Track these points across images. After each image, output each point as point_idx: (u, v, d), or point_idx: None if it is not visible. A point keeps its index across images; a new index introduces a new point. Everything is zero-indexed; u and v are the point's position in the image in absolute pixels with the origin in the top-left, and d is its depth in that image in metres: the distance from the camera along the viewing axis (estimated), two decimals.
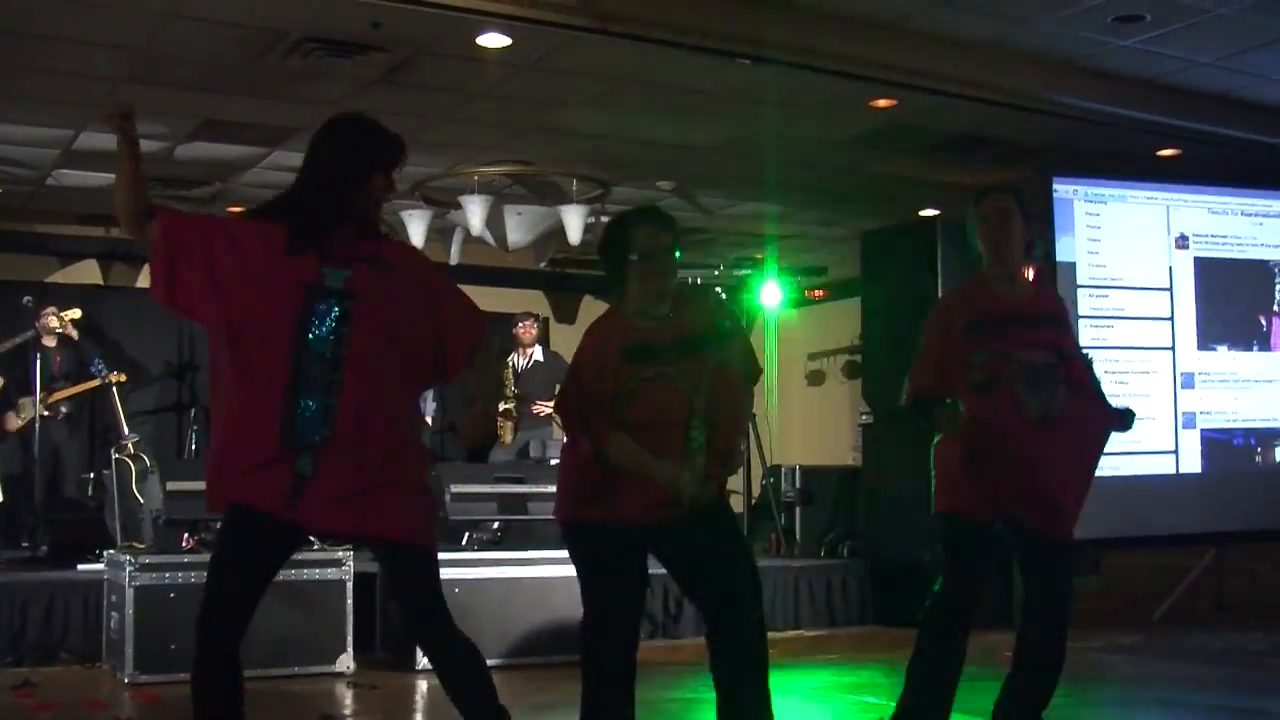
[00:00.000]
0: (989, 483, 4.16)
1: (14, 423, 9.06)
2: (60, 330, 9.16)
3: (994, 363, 4.18)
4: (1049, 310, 4.39)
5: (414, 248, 3.53)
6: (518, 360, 10.41)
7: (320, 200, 3.40)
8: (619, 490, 3.85)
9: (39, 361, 8.93)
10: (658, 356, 3.88)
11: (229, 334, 3.32)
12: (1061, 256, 7.93)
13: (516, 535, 7.30)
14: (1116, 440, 7.74)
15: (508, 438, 10.32)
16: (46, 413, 8.98)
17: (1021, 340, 4.21)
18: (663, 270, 3.93)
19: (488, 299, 11.87)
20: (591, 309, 12.82)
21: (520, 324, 10.43)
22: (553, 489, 7.03)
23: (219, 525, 3.44)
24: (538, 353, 10.39)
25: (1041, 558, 4.27)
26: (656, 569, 4.06)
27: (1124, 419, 4.36)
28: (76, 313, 9.30)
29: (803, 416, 13.36)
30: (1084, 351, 4.43)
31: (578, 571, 3.99)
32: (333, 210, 3.39)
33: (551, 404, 10.27)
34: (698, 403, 3.85)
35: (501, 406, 10.29)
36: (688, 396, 3.85)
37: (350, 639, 6.54)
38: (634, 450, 3.82)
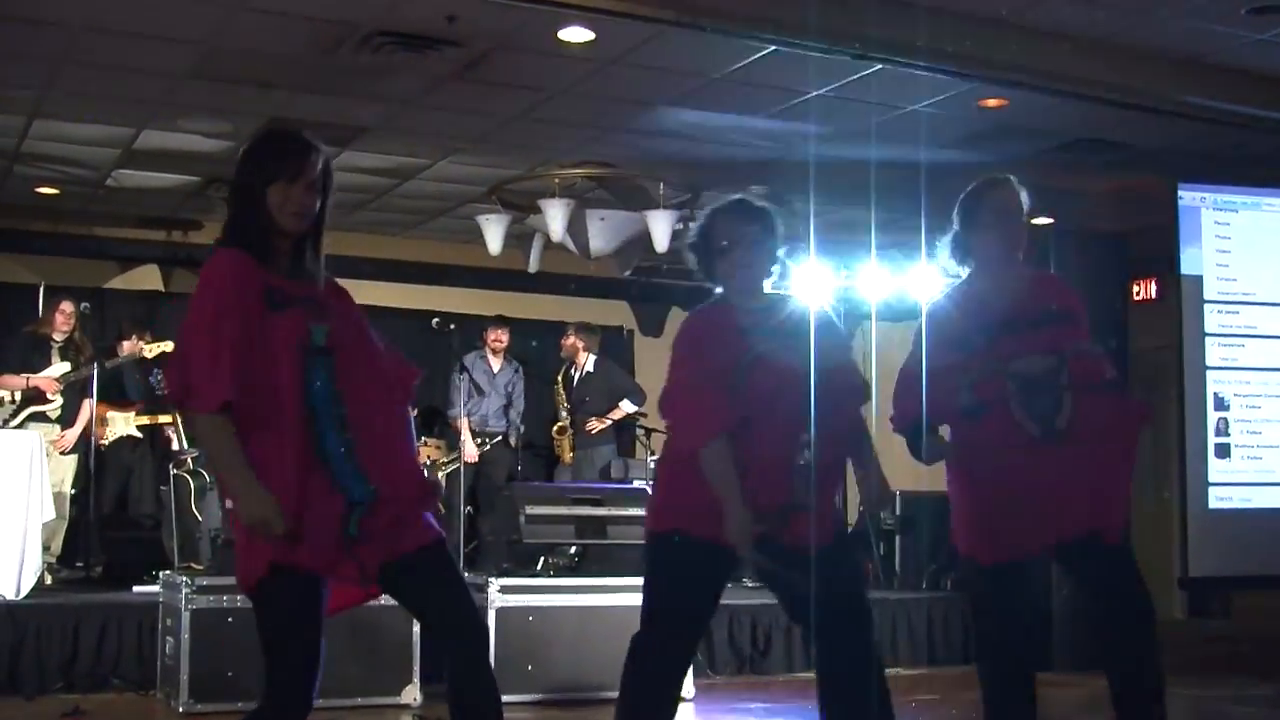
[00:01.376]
0: (1006, 520, 4.10)
1: (104, 437, 9.30)
2: (145, 355, 9.39)
3: (984, 382, 4.12)
4: (1049, 305, 4.26)
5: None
6: (571, 372, 10.52)
7: (240, 218, 3.50)
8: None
9: (126, 380, 9.26)
10: (769, 335, 3.92)
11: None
12: (1187, 269, 7.85)
13: (594, 560, 7.34)
14: (1248, 471, 7.62)
15: (566, 455, 10.41)
16: (131, 432, 9.28)
17: (1014, 350, 4.14)
18: (749, 260, 4.00)
19: (570, 309, 12.02)
20: (679, 321, 12.83)
21: (569, 334, 10.55)
22: (633, 511, 7.02)
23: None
24: (589, 363, 10.49)
25: (1098, 564, 4.15)
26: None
27: (1147, 413, 4.33)
28: (168, 345, 9.49)
29: (903, 438, 13.27)
30: (1095, 348, 4.28)
31: (651, 584, 4.02)
32: (251, 230, 3.48)
33: (606, 418, 10.40)
34: (805, 384, 3.85)
35: (556, 425, 10.41)
36: (802, 375, 3.86)
37: (417, 669, 6.62)
38: (725, 466, 3.83)
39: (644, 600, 4.01)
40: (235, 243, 3.47)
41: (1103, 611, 4.16)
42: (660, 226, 9.31)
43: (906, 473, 12.71)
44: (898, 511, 9.76)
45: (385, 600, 6.62)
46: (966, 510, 4.21)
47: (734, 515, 3.81)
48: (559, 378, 10.65)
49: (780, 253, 4.09)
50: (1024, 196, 4.30)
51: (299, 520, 3.32)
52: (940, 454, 4.18)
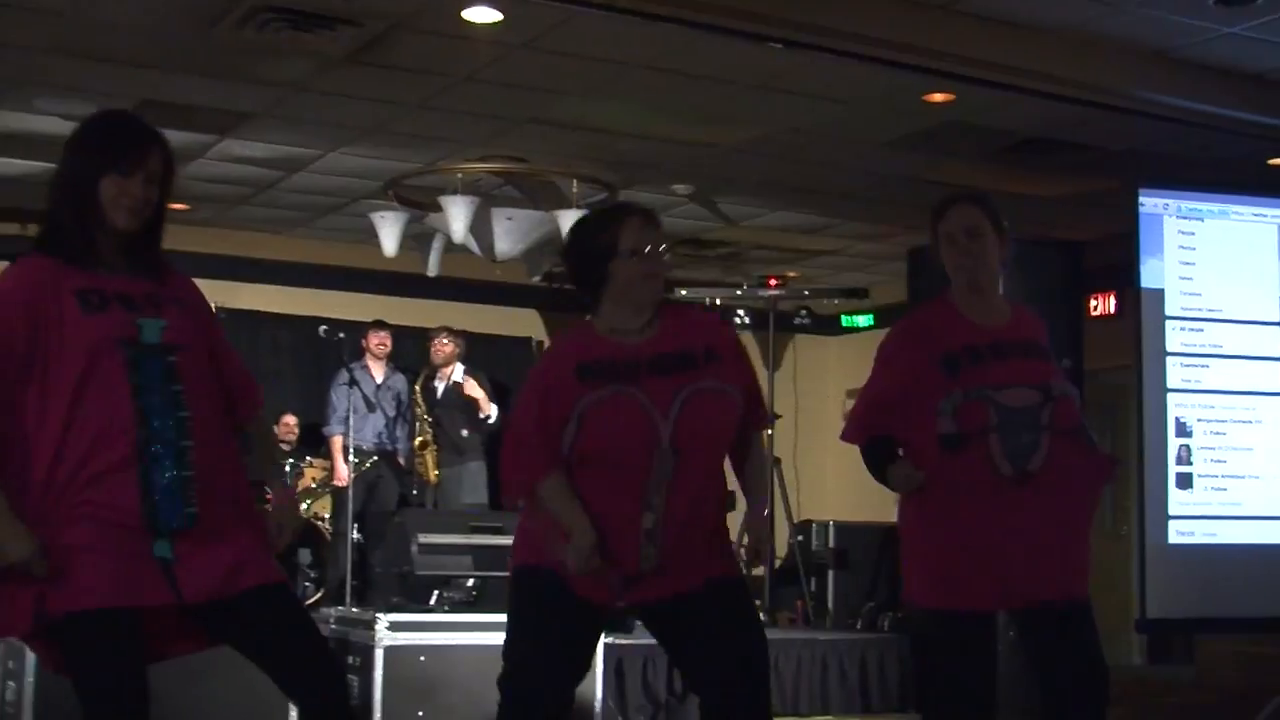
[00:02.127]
0: (974, 565, 4.09)
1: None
2: None
3: (969, 409, 4.10)
4: (1033, 338, 4.29)
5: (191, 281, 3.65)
6: (435, 382, 10.48)
7: (59, 217, 3.44)
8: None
9: None
10: (619, 374, 3.82)
11: None
12: (1147, 282, 7.87)
13: (495, 594, 7.29)
14: (1212, 503, 7.66)
15: (431, 474, 10.35)
16: None
17: (1002, 377, 4.14)
18: (658, 271, 3.93)
19: (473, 318, 11.98)
20: None
21: (444, 339, 10.51)
22: None
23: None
24: (456, 373, 10.45)
25: (1056, 630, 4.16)
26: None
27: (1112, 467, 4.33)
28: None
29: (838, 464, 13.29)
30: (1073, 389, 4.30)
31: (508, 619, 4.03)
32: (75, 228, 3.42)
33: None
34: (665, 430, 3.78)
35: (418, 439, 10.34)
36: (652, 424, 3.77)
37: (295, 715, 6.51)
38: (565, 497, 3.79)
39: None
40: (50, 244, 3.41)
41: (1055, 683, 4.18)
42: None
43: (841, 502, 12.83)
44: (831, 543, 9.77)
45: None
46: (931, 550, 4.17)
47: (576, 538, 3.74)
48: (418, 387, 10.56)
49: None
50: (984, 216, 4.28)
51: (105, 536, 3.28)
52: (912, 483, 4.15)
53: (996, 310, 4.28)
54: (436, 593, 7.13)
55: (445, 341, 10.55)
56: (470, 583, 7.33)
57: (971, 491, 4.09)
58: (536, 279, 10.62)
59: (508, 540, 7.23)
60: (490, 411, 10.39)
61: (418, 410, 10.47)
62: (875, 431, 4.24)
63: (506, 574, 7.13)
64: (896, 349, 4.29)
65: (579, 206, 9.40)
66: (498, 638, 6.76)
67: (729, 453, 4.00)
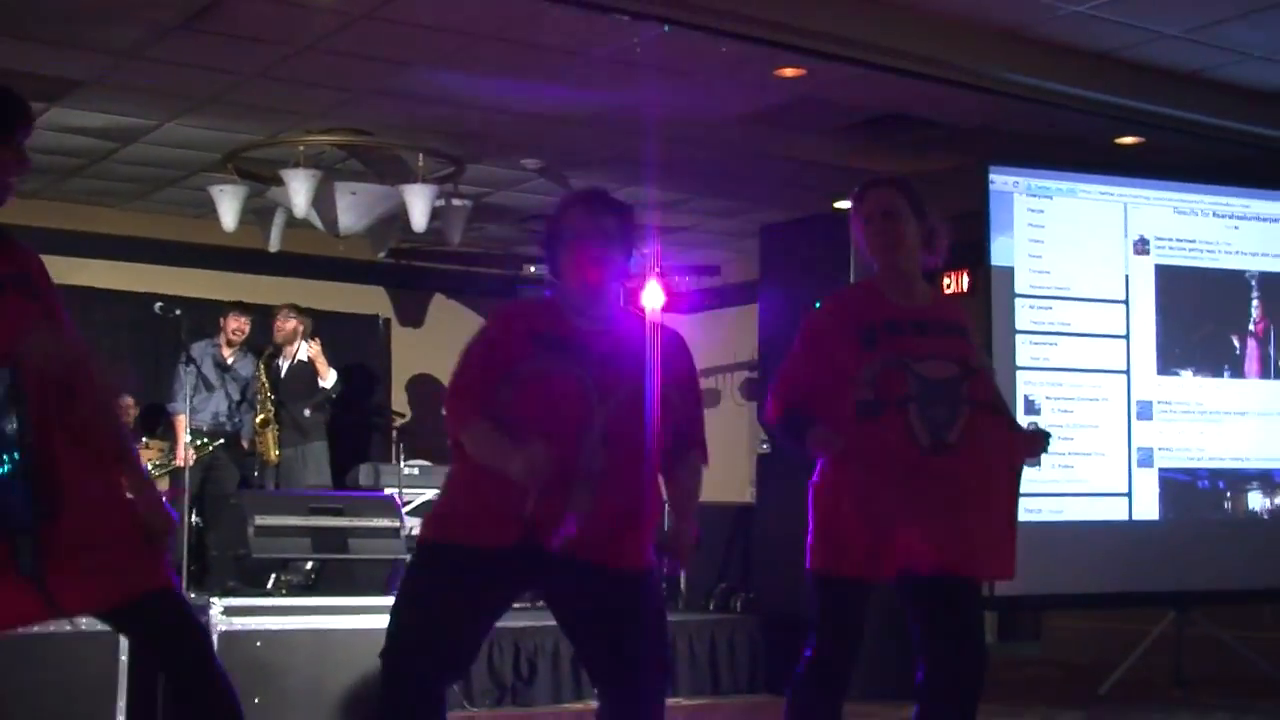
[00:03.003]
0: (886, 533, 4.18)
1: None
2: None
3: (887, 377, 4.21)
4: (954, 319, 4.43)
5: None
6: (279, 360, 10.37)
7: None
8: (478, 505, 3.84)
9: None
10: (571, 352, 3.85)
11: None
12: (997, 260, 8.00)
13: (334, 578, 7.24)
14: (1059, 480, 7.78)
15: (272, 453, 10.24)
16: None
17: (921, 350, 4.26)
18: (592, 256, 3.93)
19: (317, 295, 11.84)
20: (443, 310, 12.75)
21: (289, 316, 10.40)
22: (379, 522, 6.94)
23: None
24: (301, 351, 10.36)
25: (945, 604, 4.27)
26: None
27: (1037, 443, 4.37)
28: None
29: (775, 430, 13.37)
30: (991, 368, 4.48)
31: (397, 596, 3.98)
32: None
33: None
34: (600, 415, 3.80)
35: (259, 417, 10.24)
36: (590, 403, 3.80)
37: (122, 704, 6.34)
38: (494, 437, 3.78)
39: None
40: None
41: (936, 657, 4.29)
42: (418, 203, 9.21)
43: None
44: None
45: (87, 625, 6.40)
46: (838, 516, 4.24)
47: (516, 456, 3.70)
48: (261, 365, 10.43)
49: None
50: (901, 200, 4.39)
51: None
52: (829, 444, 4.21)
53: (919, 293, 4.40)
54: (274, 576, 7.06)
55: (288, 319, 10.42)
56: (309, 565, 7.27)
57: (888, 461, 4.18)
58: (382, 255, 10.53)
59: (347, 522, 7.24)
60: (329, 378, 10.30)
61: (261, 389, 10.34)
62: (795, 407, 4.32)
63: (346, 556, 7.16)
64: (818, 329, 4.39)
65: (425, 181, 9.34)
66: (338, 621, 6.78)
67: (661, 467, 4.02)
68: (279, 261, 10.62)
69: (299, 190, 8.98)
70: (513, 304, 4.09)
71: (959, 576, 4.24)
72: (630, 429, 3.83)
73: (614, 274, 4.00)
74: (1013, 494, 4.36)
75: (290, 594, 6.98)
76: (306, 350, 10.38)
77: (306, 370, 10.37)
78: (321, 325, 10.89)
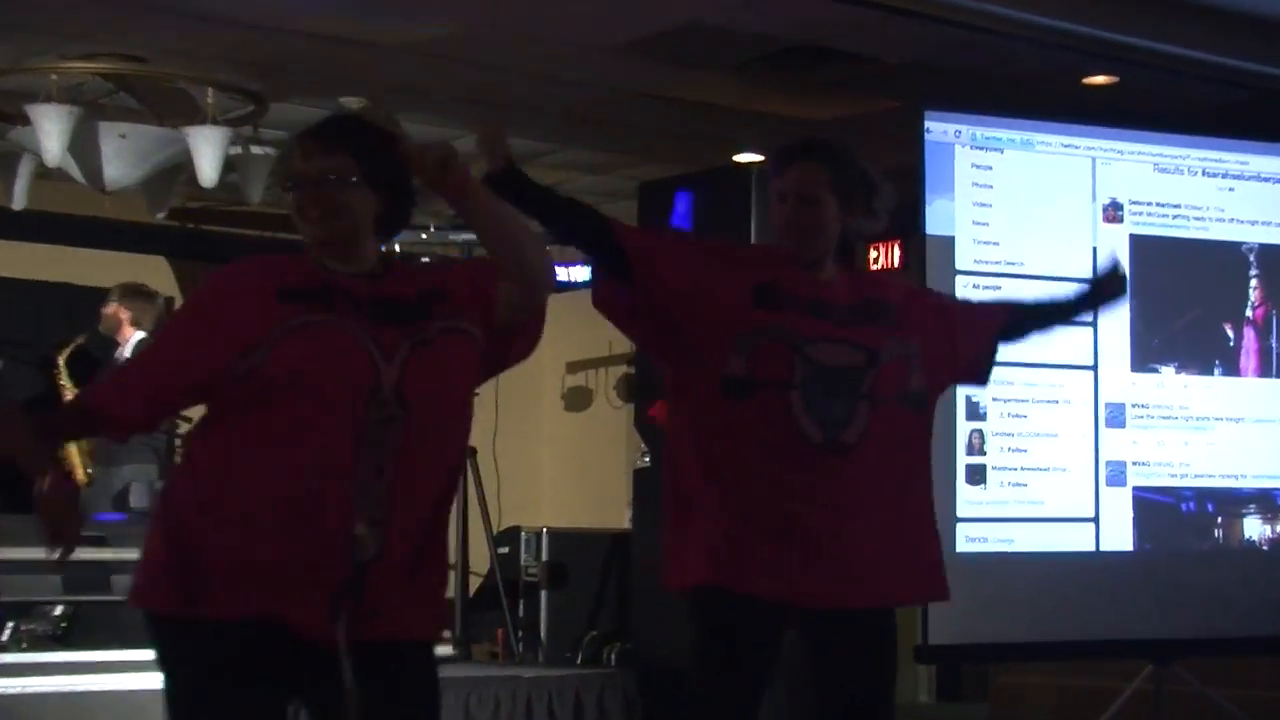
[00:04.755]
0: (766, 546, 4.24)
1: None
2: None
3: (766, 350, 4.29)
4: (876, 301, 4.51)
5: None
6: (115, 354, 10.29)
7: None
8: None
9: None
10: (335, 307, 3.76)
11: None
12: (933, 228, 7.99)
13: (93, 626, 7.18)
14: (1009, 502, 7.85)
15: (81, 473, 10.14)
16: None
17: (816, 331, 4.35)
18: (314, 205, 3.81)
19: (78, 267, 11.71)
20: None
21: (110, 301, 10.32)
22: None
23: None
24: (133, 343, 10.28)
25: (839, 647, 4.36)
26: None
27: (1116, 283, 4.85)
28: None
29: (556, 455, 13.36)
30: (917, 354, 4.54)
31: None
32: None
33: None
34: (388, 375, 3.72)
35: None
36: (373, 361, 3.71)
37: None
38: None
39: None
40: None
41: (835, 707, 4.38)
42: (208, 150, 9.15)
43: (557, 505, 12.87)
44: (544, 556, 9.80)
45: None
46: (712, 520, 4.31)
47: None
48: (60, 361, 10.32)
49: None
50: (831, 177, 4.48)
51: None
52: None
53: (827, 272, 4.52)
54: (11, 625, 6.99)
55: (109, 303, 10.23)
56: (58, 611, 7.19)
57: (766, 451, 4.26)
58: (161, 216, 10.45)
59: (111, 554, 7.15)
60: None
61: (62, 391, 10.22)
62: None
63: (108, 598, 7.06)
64: (711, 247, 4.57)
65: (216, 122, 9.27)
66: (95, 682, 6.71)
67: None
68: (26, 223, 10.51)
69: (51, 132, 8.88)
70: (244, 261, 3.93)
71: (868, 609, 4.34)
72: (431, 383, 3.80)
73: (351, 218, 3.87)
74: (920, 505, 4.47)
75: (34, 648, 6.91)
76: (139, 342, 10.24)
77: None
78: (80, 305, 10.77)
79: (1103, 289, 4.97)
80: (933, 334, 4.58)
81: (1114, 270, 4.97)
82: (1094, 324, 8.24)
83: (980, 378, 4.90)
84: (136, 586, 3.89)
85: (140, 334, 10.23)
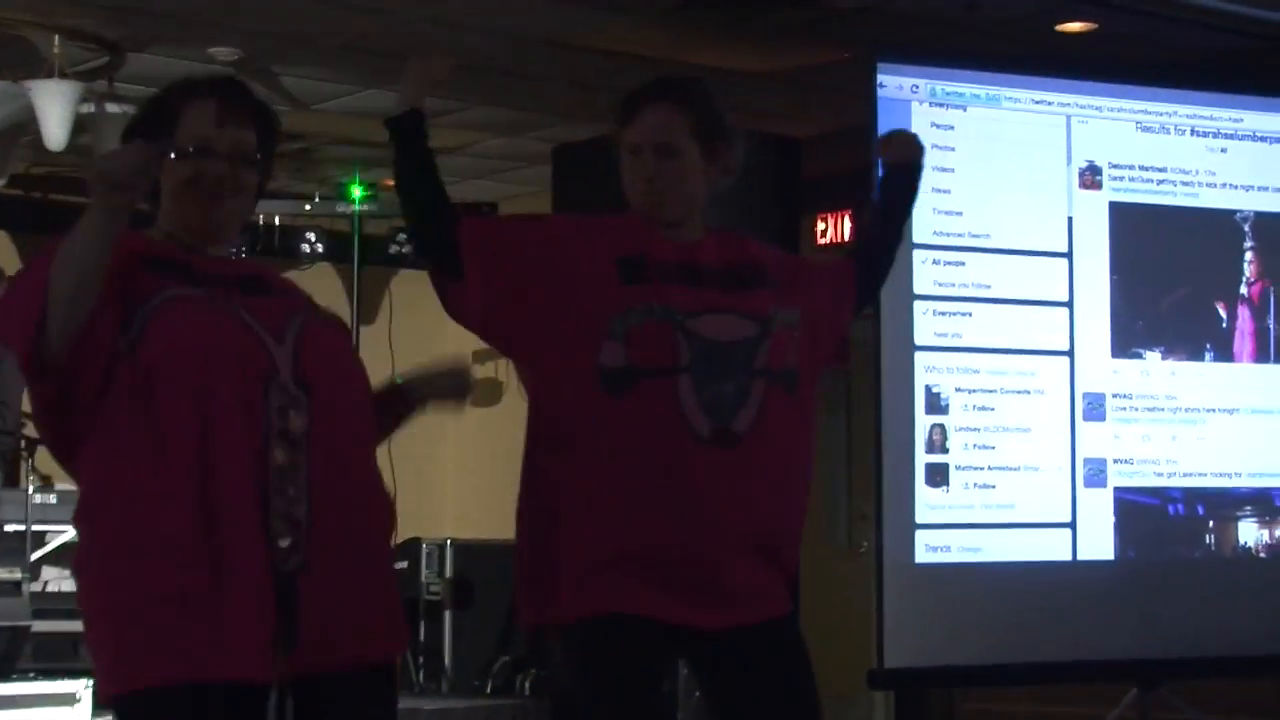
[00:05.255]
0: (640, 560, 4.20)
1: None
2: None
3: (648, 334, 4.24)
4: (749, 260, 4.47)
5: None
6: None
7: None
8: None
9: None
10: (205, 282, 3.75)
11: None
12: None
13: None
14: (975, 506, 7.89)
15: None
16: None
17: (697, 302, 4.29)
18: (219, 185, 3.82)
19: None
20: None
21: None
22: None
23: None
24: None
25: (758, 657, 4.32)
26: None
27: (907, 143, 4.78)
28: None
29: (460, 457, 13.36)
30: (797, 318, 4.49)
31: None
32: None
33: None
34: (282, 357, 3.70)
35: None
36: (262, 340, 3.70)
37: None
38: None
39: None
40: None
41: None
42: (54, 108, 9.12)
43: (463, 513, 12.85)
44: (448, 572, 9.81)
45: None
46: (575, 540, 4.26)
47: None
48: None
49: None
50: (689, 121, 4.42)
51: None
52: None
53: (691, 229, 4.45)
54: None
55: None
56: None
57: (645, 455, 4.20)
58: (1, 183, 10.41)
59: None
60: None
61: None
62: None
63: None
64: (557, 229, 4.51)
65: (65, 76, 9.23)
66: None
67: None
68: None
69: None
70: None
71: (763, 621, 4.30)
72: (326, 366, 3.81)
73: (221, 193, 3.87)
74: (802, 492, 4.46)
75: None
76: None
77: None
78: None
79: (891, 151, 4.90)
80: (811, 302, 4.52)
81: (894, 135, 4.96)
82: (1070, 304, 8.30)
83: (845, 357, 4.79)
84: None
85: None
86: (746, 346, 4.30)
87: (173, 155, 3.79)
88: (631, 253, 4.33)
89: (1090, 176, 8.46)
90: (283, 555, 3.62)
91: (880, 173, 4.90)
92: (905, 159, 4.82)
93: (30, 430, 10.75)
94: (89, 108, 9.49)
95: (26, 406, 11.71)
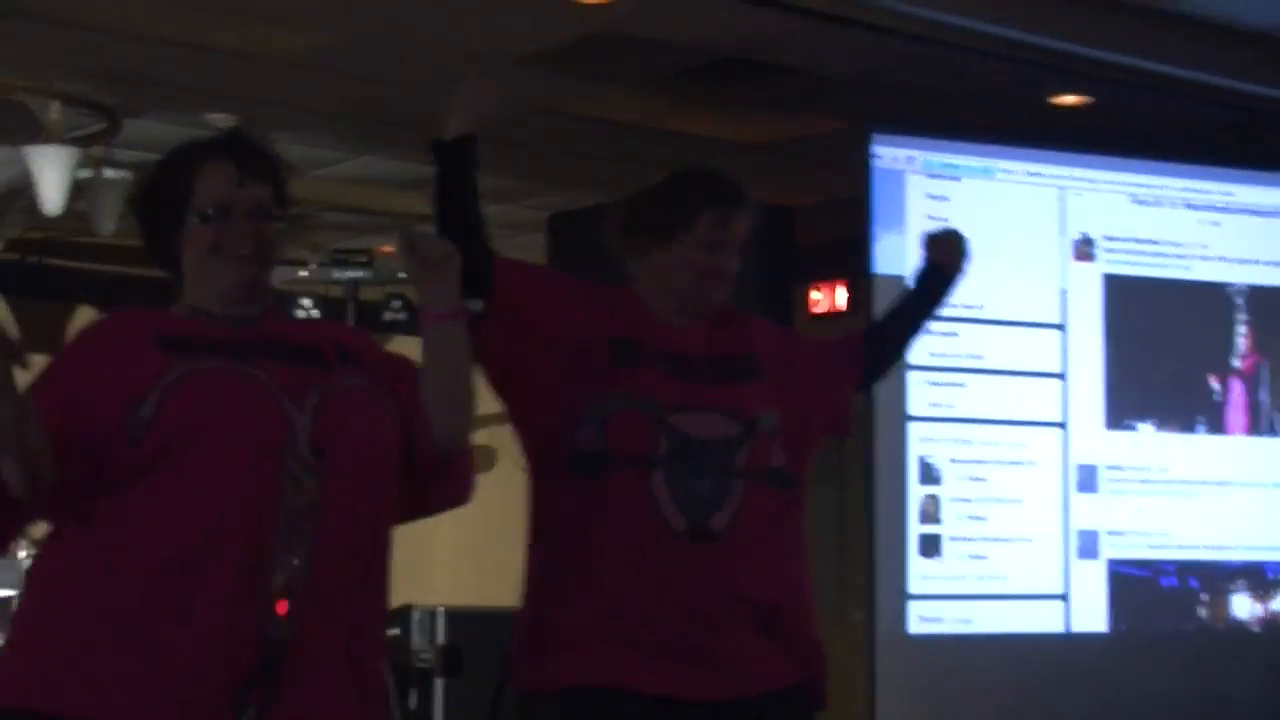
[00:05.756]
0: (628, 635, 4.18)
1: None
2: None
3: (624, 419, 4.20)
4: (740, 354, 4.44)
5: None
6: None
7: None
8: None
9: None
10: (227, 351, 3.65)
11: None
12: (883, 267, 7.99)
13: None
14: (967, 577, 7.85)
15: None
16: None
17: (685, 397, 4.25)
18: (246, 245, 3.70)
19: None
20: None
21: None
22: None
23: None
24: None
25: None
26: None
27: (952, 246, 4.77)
28: None
29: (454, 523, 13.27)
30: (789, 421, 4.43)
31: None
32: None
33: None
34: (301, 424, 3.59)
35: None
36: (283, 407, 3.59)
37: None
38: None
39: None
40: None
41: None
42: (52, 173, 9.10)
43: (455, 579, 12.80)
44: (440, 639, 9.76)
45: None
46: (566, 612, 4.23)
47: None
48: None
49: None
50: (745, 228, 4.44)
51: None
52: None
53: (688, 327, 4.41)
54: None
55: None
56: None
57: (626, 540, 4.18)
58: None
59: None
60: None
61: None
62: None
63: None
64: (571, 283, 4.45)
65: (63, 141, 9.23)
66: None
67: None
68: None
69: None
70: (106, 320, 3.82)
71: (763, 696, 4.28)
72: (347, 436, 3.68)
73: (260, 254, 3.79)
74: (800, 580, 4.43)
75: None
76: None
77: None
78: None
79: (936, 251, 4.87)
80: (797, 392, 4.46)
81: (942, 235, 4.93)
82: (1064, 376, 8.30)
83: (845, 429, 4.77)
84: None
85: None
86: (727, 446, 4.25)
87: (196, 220, 3.72)
88: (624, 334, 4.30)
89: (1084, 248, 8.50)
90: (275, 623, 3.52)
91: (922, 265, 4.84)
92: (950, 263, 4.81)
93: None
94: (86, 173, 9.48)
95: None
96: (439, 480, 3.91)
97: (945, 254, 4.80)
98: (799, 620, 4.41)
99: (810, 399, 4.50)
